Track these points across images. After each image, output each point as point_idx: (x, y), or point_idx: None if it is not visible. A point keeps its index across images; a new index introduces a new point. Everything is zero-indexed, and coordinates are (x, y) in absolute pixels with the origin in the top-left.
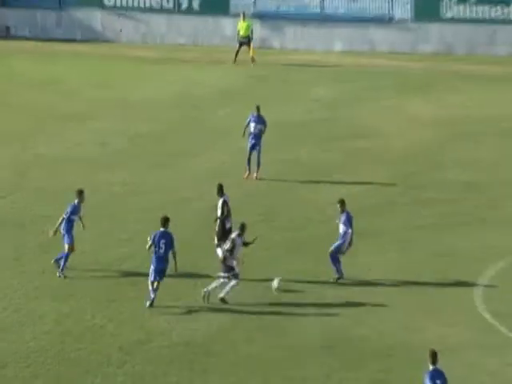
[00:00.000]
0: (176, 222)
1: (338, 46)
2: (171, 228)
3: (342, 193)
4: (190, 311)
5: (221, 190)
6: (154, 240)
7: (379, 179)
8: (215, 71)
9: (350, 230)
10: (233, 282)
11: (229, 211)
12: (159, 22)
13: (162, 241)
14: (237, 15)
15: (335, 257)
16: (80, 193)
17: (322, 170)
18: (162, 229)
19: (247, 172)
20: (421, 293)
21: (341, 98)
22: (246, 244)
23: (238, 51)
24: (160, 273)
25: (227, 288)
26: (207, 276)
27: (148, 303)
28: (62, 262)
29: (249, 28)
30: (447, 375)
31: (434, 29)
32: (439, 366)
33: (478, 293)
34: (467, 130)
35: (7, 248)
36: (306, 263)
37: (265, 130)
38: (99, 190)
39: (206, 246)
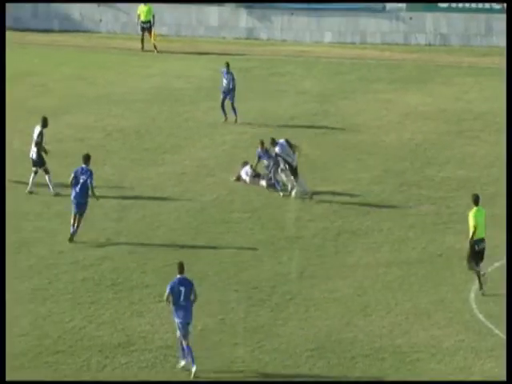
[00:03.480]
0: (158, 222)
1: (328, 37)
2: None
3: (330, 189)
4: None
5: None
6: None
7: (370, 176)
8: (199, 63)
9: None
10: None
11: None
12: None
13: (83, 177)
14: (222, 4)
15: None
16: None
17: (310, 167)
18: (83, 165)
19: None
20: (413, 294)
21: (330, 91)
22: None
23: (142, 38)
24: (80, 206)
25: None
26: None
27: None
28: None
29: (150, 12)
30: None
31: (428, 19)
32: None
33: (472, 294)
34: (462, 125)
35: None
36: (293, 263)
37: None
38: None
39: (191, 247)
